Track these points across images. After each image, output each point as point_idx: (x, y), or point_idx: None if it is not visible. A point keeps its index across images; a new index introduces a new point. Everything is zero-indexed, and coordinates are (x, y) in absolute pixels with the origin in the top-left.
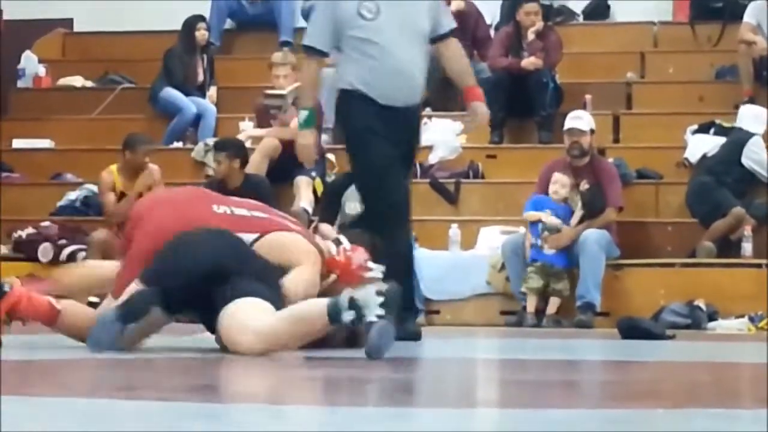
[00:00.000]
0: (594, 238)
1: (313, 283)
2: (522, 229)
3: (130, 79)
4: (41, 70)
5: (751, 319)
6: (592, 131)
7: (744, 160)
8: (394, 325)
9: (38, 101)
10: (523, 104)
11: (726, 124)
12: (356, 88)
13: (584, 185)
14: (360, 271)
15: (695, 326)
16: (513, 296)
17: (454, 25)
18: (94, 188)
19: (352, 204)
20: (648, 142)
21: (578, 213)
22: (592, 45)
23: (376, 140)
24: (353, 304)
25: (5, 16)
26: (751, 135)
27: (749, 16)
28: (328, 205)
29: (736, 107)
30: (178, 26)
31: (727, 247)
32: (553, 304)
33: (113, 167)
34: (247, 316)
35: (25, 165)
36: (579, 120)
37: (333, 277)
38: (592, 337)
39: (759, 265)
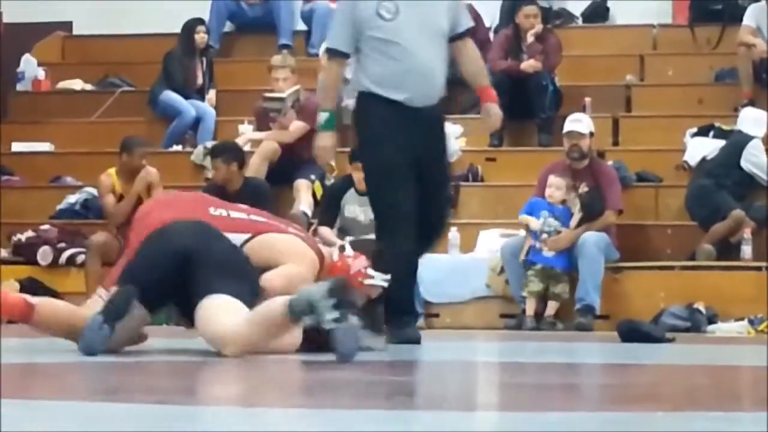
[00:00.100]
0: (593, 241)
1: (297, 281)
2: (522, 232)
3: (130, 82)
4: (41, 74)
5: (751, 322)
6: (591, 134)
7: (743, 163)
8: (359, 317)
9: (38, 104)
10: (522, 107)
11: (725, 127)
12: (374, 91)
13: (583, 188)
14: (359, 277)
15: (695, 329)
16: (512, 299)
17: (471, 24)
18: (94, 191)
19: (352, 207)
20: (647, 144)
21: (577, 215)
22: (591, 48)
23: (386, 147)
24: (311, 308)
25: (5, 19)
26: (750, 138)
27: (749, 19)
28: (327, 209)
29: (736, 110)
30: (178, 29)
31: (727, 249)
32: (552, 307)
33: (112, 170)
34: (217, 319)
35: (24, 168)
36: (578, 123)
37: None
38: (592, 340)
39: (759, 268)
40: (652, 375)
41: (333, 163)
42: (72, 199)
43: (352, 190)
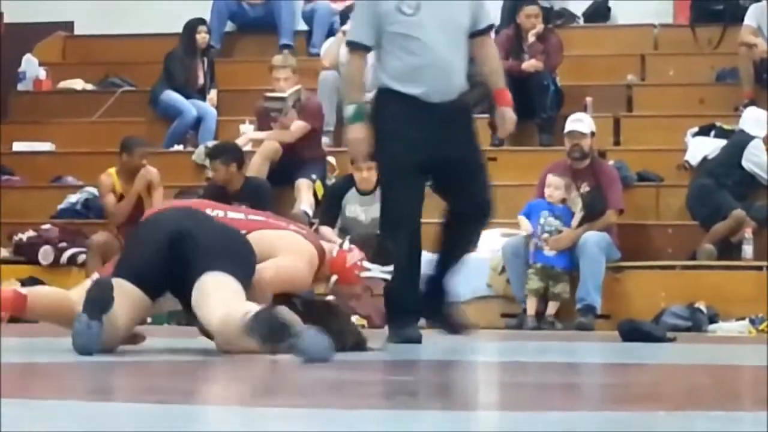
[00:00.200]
0: (594, 241)
1: (289, 273)
2: (523, 232)
3: (131, 82)
4: (42, 73)
5: (752, 322)
6: (592, 134)
7: (744, 163)
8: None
9: (39, 104)
10: (523, 107)
11: (726, 127)
12: (391, 87)
13: (585, 188)
14: (356, 270)
15: (696, 329)
16: (513, 299)
17: (491, 21)
18: (95, 191)
19: (353, 207)
20: (648, 144)
21: (578, 215)
22: (592, 47)
23: (399, 145)
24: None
25: (6, 19)
26: (751, 138)
27: (750, 19)
28: (328, 208)
29: (737, 110)
30: (179, 29)
31: (728, 249)
32: (552, 306)
33: (112, 170)
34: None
35: (25, 168)
36: (579, 122)
37: (334, 278)
38: (593, 340)
39: (759, 268)
40: (653, 374)
41: (334, 162)
42: (73, 198)
43: (353, 190)
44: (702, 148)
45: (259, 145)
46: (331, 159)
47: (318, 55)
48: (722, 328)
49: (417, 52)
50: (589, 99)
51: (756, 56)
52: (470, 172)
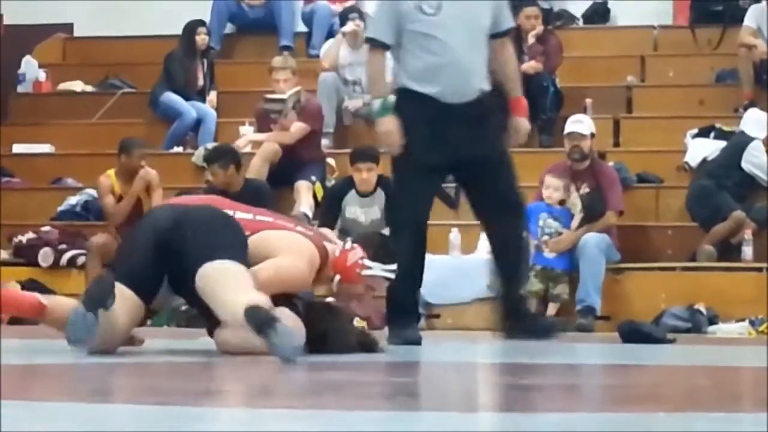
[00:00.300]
0: (594, 242)
1: (288, 273)
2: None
3: (131, 83)
4: (41, 75)
5: (752, 323)
6: (592, 135)
7: (744, 164)
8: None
9: (38, 106)
10: None
11: (726, 128)
12: (409, 87)
13: (584, 189)
14: (357, 269)
15: (696, 330)
16: None
17: (512, 24)
18: (95, 193)
19: (352, 208)
20: (648, 145)
21: (578, 216)
22: (592, 49)
23: (414, 146)
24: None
25: (5, 21)
26: (751, 139)
27: (749, 20)
28: (328, 210)
29: (736, 111)
30: (179, 30)
31: (728, 250)
32: (552, 308)
33: (111, 171)
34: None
35: (25, 170)
36: (579, 124)
37: (337, 278)
38: (593, 341)
39: (759, 269)
40: (653, 376)
41: (334, 164)
42: (73, 200)
43: (353, 192)
44: (702, 149)
45: (259, 146)
46: (330, 160)
47: (318, 56)
48: (722, 329)
49: (437, 51)
50: (588, 100)
51: (756, 57)
52: (493, 173)
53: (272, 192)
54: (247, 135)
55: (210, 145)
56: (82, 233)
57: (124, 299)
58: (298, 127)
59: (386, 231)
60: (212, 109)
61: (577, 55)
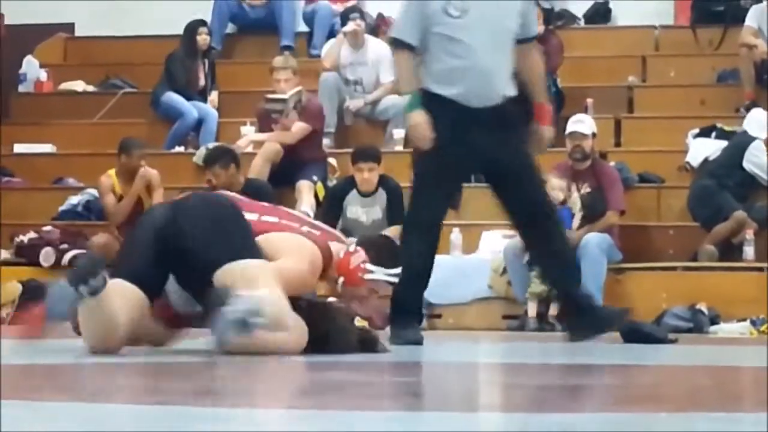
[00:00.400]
0: (595, 242)
1: (288, 276)
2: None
3: (132, 83)
4: (43, 75)
5: (753, 323)
6: (593, 135)
7: (745, 164)
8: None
9: (40, 106)
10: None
11: (727, 128)
12: (433, 90)
13: (585, 189)
14: (359, 272)
15: (697, 330)
16: (515, 300)
17: (539, 31)
18: (96, 193)
19: (354, 208)
20: (649, 145)
21: (578, 216)
22: (593, 49)
23: (436, 150)
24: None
25: (7, 21)
26: (752, 139)
27: (750, 20)
28: (329, 210)
29: (738, 111)
30: (180, 30)
31: (729, 250)
32: (554, 307)
33: (111, 171)
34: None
35: (26, 170)
36: (581, 124)
37: (342, 279)
38: (594, 341)
39: (761, 269)
40: (655, 376)
41: (335, 164)
42: (74, 200)
43: (354, 192)
44: (703, 149)
45: (260, 146)
46: (332, 160)
47: (319, 56)
48: (723, 329)
49: (461, 54)
50: (590, 100)
51: (757, 57)
52: (517, 178)
53: (273, 192)
54: (248, 135)
55: (211, 145)
56: (84, 233)
57: (125, 297)
58: (299, 127)
59: (387, 231)
60: (213, 109)
61: (578, 55)
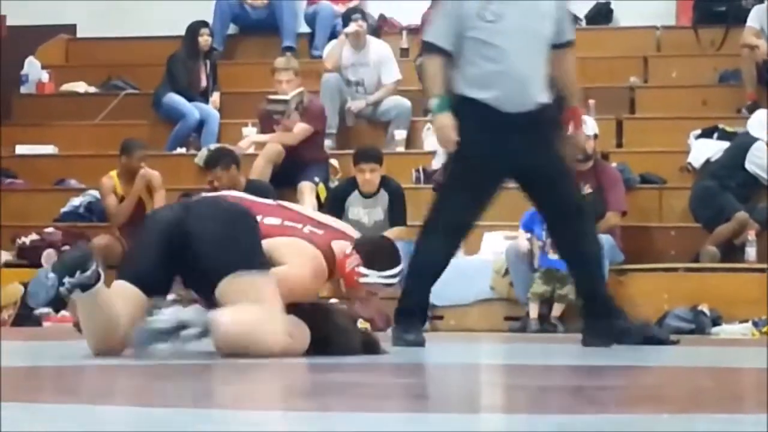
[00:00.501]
0: None
1: (291, 285)
2: (523, 247)
3: (134, 84)
4: (44, 76)
5: (755, 324)
6: (595, 136)
7: (747, 165)
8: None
9: (41, 107)
10: None
11: (729, 129)
12: (466, 95)
13: (587, 190)
14: (355, 276)
15: (699, 331)
16: (517, 301)
17: (573, 36)
18: (98, 194)
19: (356, 210)
20: (651, 146)
21: None
22: (595, 49)
23: (468, 156)
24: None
25: (8, 22)
26: (754, 140)
27: (752, 20)
28: (330, 211)
29: (739, 111)
30: (182, 32)
31: (731, 251)
32: (558, 308)
33: (113, 172)
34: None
35: (28, 171)
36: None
37: (342, 281)
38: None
39: (763, 270)
40: (657, 377)
41: (337, 165)
42: (76, 201)
43: (356, 193)
44: (705, 150)
45: (262, 147)
46: (333, 161)
47: (320, 57)
48: (725, 330)
49: (495, 59)
50: (591, 101)
51: (758, 58)
52: (551, 182)
53: (275, 193)
54: (250, 136)
55: (213, 146)
56: (86, 234)
57: (128, 299)
58: (301, 128)
59: (388, 232)
60: (215, 110)
61: (579, 56)
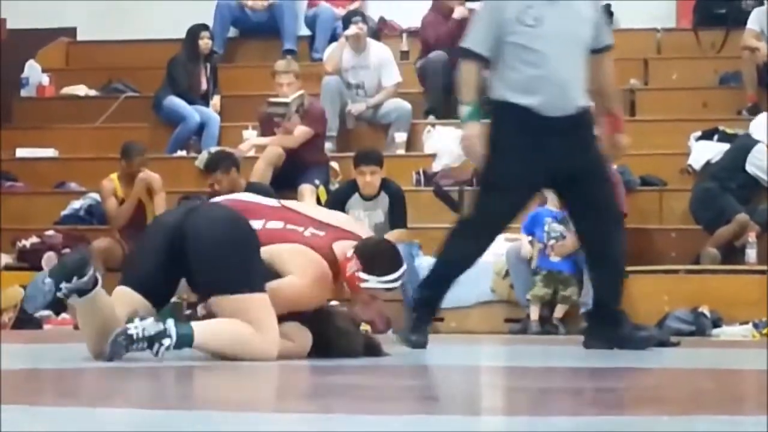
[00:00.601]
0: None
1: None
2: (525, 253)
3: (134, 87)
4: (45, 79)
5: (755, 326)
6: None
7: (748, 167)
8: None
9: (42, 110)
10: None
11: (729, 131)
12: (508, 99)
13: None
14: (356, 281)
15: (699, 333)
16: (517, 303)
17: (612, 41)
18: (98, 197)
19: (356, 212)
20: (652, 148)
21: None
22: None
23: (510, 158)
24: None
25: (8, 25)
26: (755, 141)
27: (752, 23)
28: None
29: (740, 113)
30: (182, 34)
31: (732, 253)
32: (560, 310)
33: (114, 175)
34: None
35: (29, 174)
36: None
37: (345, 283)
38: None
39: (763, 272)
40: (657, 379)
41: (337, 168)
42: (76, 204)
43: (356, 195)
44: (705, 152)
45: (262, 150)
46: (334, 164)
47: (321, 60)
48: (726, 332)
49: (537, 63)
50: (591, 103)
51: (759, 60)
52: (591, 186)
53: (276, 196)
54: (250, 139)
55: (214, 149)
56: (86, 237)
57: (129, 305)
58: (301, 131)
59: (389, 234)
60: (216, 113)
61: None
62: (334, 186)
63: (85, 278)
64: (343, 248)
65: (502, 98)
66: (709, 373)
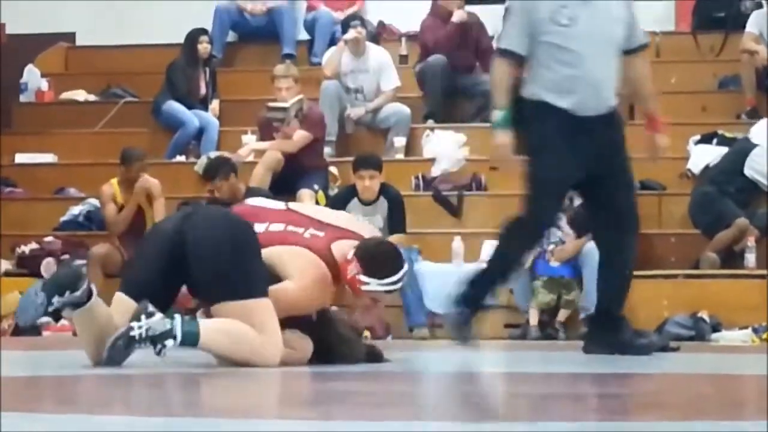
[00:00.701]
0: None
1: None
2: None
3: (133, 92)
4: (44, 84)
5: (755, 331)
6: None
7: (747, 171)
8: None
9: (41, 115)
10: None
11: (729, 135)
12: (543, 99)
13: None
14: (357, 284)
15: (699, 338)
16: (517, 309)
17: (647, 40)
18: (97, 203)
19: (355, 217)
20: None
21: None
22: None
23: (548, 158)
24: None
25: (7, 30)
26: (754, 145)
27: (752, 26)
28: None
29: (739, 117)
30: (181, 39)
31: (731, 258)
32: (563, 314)
33: (113, 180)
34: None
35: (27, 180)
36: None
37: (347, 287)
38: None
39: (762, 276)
40: (657, 384)
41: (336, 173)
42: (75, 210)
43: (355, 200)
44: (704, 156)
45: (261, 155)
46: (333, 169)
47: (320, 64)
48: (725, 337)
49: (571, 63)
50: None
51: (758, 63)
52: (616, 190)
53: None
54: (249, 143)
55: (213, 154)
56: (85, 243)
57: (128, 312)
58: (300, 136)
59: (390, 238)
60: (215, 118)
61: None
62: (333, 191)
63: (78, 292)
64: (343, 249)
65: (538, 98)
66: (709, 378)
